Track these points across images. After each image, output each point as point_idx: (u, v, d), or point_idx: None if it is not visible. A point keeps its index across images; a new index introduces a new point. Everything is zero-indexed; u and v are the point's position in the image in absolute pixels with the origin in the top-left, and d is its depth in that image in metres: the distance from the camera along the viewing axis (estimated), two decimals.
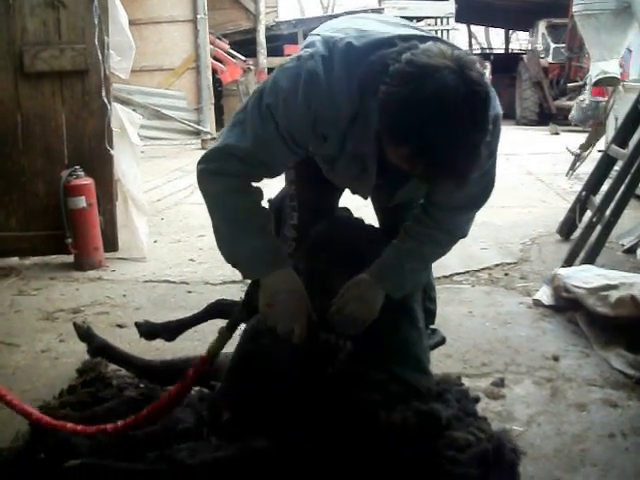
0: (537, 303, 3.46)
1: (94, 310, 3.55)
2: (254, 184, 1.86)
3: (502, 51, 22.54)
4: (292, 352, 1.83)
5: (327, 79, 1.65)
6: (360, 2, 19.95)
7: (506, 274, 4.08)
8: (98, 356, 2.57)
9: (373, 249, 1.97)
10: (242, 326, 2.05)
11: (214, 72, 12.07)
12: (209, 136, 11.33)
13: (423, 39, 1.65)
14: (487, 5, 18.13)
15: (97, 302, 3.69)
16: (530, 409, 2.42)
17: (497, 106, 1.69)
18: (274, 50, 14.47)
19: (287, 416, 1.80)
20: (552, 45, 14.98)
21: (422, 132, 1.46)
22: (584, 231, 4.15)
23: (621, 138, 4.53)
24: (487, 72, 16.28)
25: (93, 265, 4.30)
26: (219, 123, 12.72)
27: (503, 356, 2.88)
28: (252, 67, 13.18)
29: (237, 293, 3.68)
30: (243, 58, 12.96)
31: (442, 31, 16.05)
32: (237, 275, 4.03)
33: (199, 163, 1.86)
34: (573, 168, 7.47)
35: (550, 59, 14.92)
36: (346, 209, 2.35)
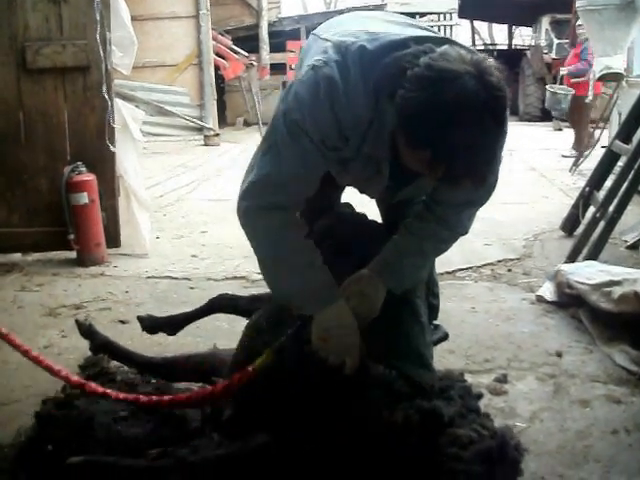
0: (540, 299, 3.45)
1: (96, 306, 3.55)
2: (296, 216, 1.85)
3: (505, 47, 22.46)
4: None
5: (344, 84, 1.65)
6: None
7: (509, 270, 4.08)
8: (100, 353, 2.56)
9: (375, 244, 1.96)
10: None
11: (216, 68, 12.06)
12: (212, 132, 11.35)
13: (437, 41, 1.65)
14: (490, 1, 18.06)
15: (99, 298, 3.69)
16: (533, 405, 2.41)
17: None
18: (277, 46, 14.46)
19: (288, 413, 1.79)
20: (555, 41, 14.93)
21: (443, 137, 1.47)
22: (587, 227, 4.14)
23: (625, 134, 4.51)
24: None
25: (95, 261, 4.30)
26: (221, 119, 12.75)
27: (506, 352, 2.87)
28: (255, 63, 13.16)
29: (239, 289, 3.69)
30: (246, 54, 12.94)
31: (445, 27, 16.02)
32: (239, 271, 4.10)
33: (242, 199, 1.81)
34: (576, 164, 7.46)
35: (553, 55, 14.85)
36: (348, 204, 2.34)
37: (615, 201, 4.04)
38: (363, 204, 2.36)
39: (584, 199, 4.70)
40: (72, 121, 4.28)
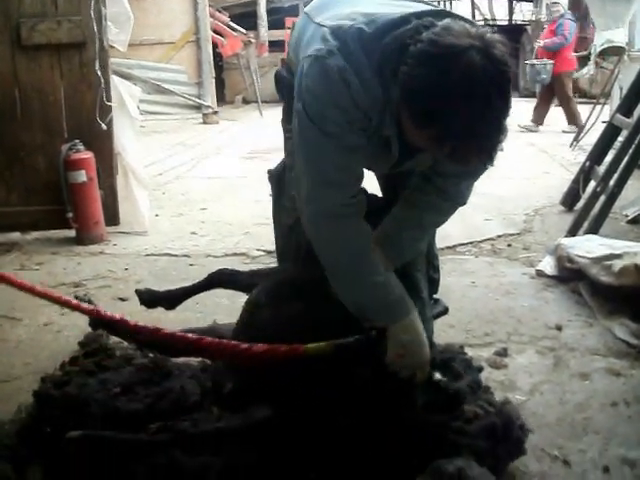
0: (540, 273, 3.45)
1: (96, 284, 3.55)
2: (363, 220, 1.80)
3: (506, 22, 22.25)
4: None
5: (352, 67, 1.62)
6: None
7: (509, 245, 4.07)
8: (99, 328, 2.56)
9: (375, 218, 1.95)
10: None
11: (214, 46, 11.96)
12: (210, 110, 11.28)
13: (436, 14, 1.62)
14: None
15: (99, 276, 3.68)
16: (533, 378, 2.42)
17: None
18: (275, 23, 14.34)
19: (289, 387, 1.79)
20: None
21: (451, 114, 1.44)
22: (588, 201, 4.12)
23: (626, 107, 4.48)
24: None
25: (94, 239, 4.29)
26: (220, 97, 12.66)
27: (506, 326, 2.88)
28: (253, 40, 13.04)
29: (239, 265, 3.67)
30: (244, 31, 12.82)
31: (445, 2, 15.87)
32: (239, 248, 4.10)
33: (305, 205, 1.77)
34: (577, 139, 7.42)
35: None
36: None
37: (616, 175, 4.02)
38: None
39: (585, 174, 4.68)
40: (69, 98, 4.24)
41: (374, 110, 1.65)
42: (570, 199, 4.79)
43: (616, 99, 6.65)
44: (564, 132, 8.69)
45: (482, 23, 21.85)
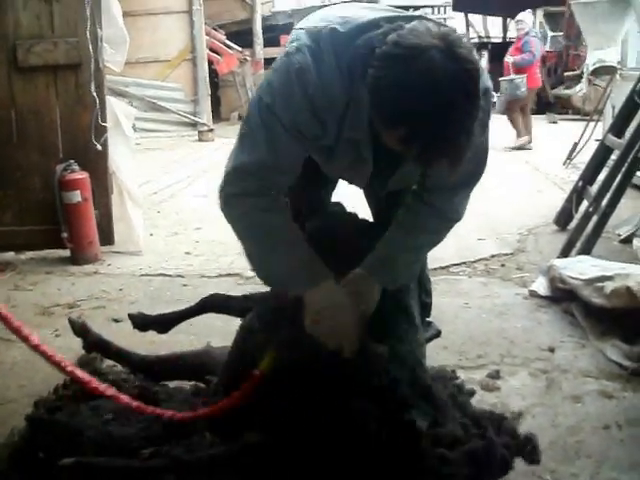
0: (533, 294, 3.46)
1: (90, 304, 3.55)
2: (278, 200, 1.83)
3: (500, 40, 22.44)
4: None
5: (317, 67, 1.64)
6: None
7: (502, 265, 4.09)
8: (94, 351, 2.56)
9: (367, 243, 1.96)
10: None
11: (210, 63, 12.03)
12: (205, 127, 11.32)
13: (408, 19, 1.64)
14: None
15: (93, 296, 3.69)
16: (525, 401, 2.42)
17: (486, 80, 1.67)
18: (270, 40, 14.41)
19: (283, 413, 1.79)
20: (550, 33, 14.94)
21: (414, 113, 1.44)
22: (580, 221, 4.15)
23: (617, 128, 4.51)
24: (484, 60, 16.26)
25: (89, 259, 4.30)
26: (215, 114, 12.69)
27: (499, 347, 2.88)
28: (248, 58, 13.14)
29: (233, 286, 3.69)
30: (239, 49, 12.92)
31: (439, 20, 15.97)
32: (233, 268, 4.10)
33: (220, 190, 1.83)
34: (570, 157, 7.47)
35: (547, 47, 14.86)
36: (339, 204, 2.33)
37: (608, 195, 4.04)
38: (354, 203, 2.36)
39: (577, 193, 4.71)
40: (64, 119, 4.26)
41: (331, 114, 1.67)
42: (563, 218, 4.82)
43: (608, 117, 6.70)
44: (510, 149, 8.86)
45: (477, 40, 22.05)
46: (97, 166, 4.31)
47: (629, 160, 4.01)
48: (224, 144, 10.78)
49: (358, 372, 1.79)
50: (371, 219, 2.30)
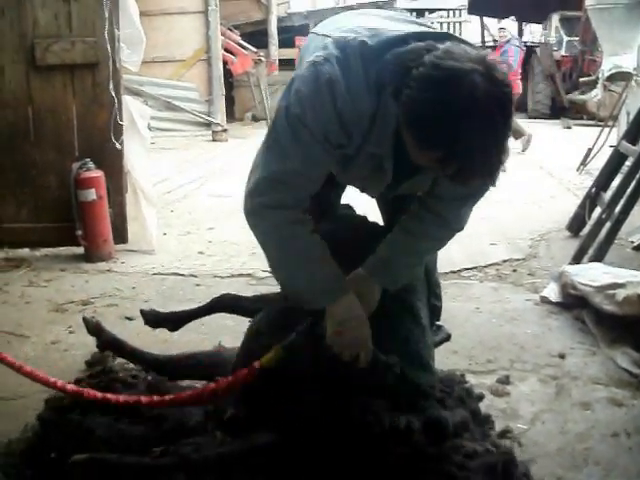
0: (544, 300, 3.46)
1: (103, 302, 3.58)
2: (305, 212, 1.85)
3: None
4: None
5: (346, 80, 1.65)
6: None
7: (514, 270, 4.08)
8: (107, 350, 2.59)
9: (376, 246, 1.97)
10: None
11: (225, 63, 12.07)
12: (219, 127, 11.36)
13: (437, 37, 1.65)
14: None
15: (106, 294, 3.72)
16: (535, 407, 2.42)
17: None
18: (285, 41, 14.45)
19: (292, 413, 1.81)
20: (565, 38, 14.88)
21: (456, 137, 1.47)
22: (593, 228, 4.13)
23: (632, 135, 4.50)
24: None
25: (103, 257, 4.33)
26: (230, 114, 12.74)
27: (509, 353, 2.88)
28: (263, 58, 13.17)
29: (244, 287, 3.71)
30: (254, 49, 12.95)
31: (454, 23, 15.97)
32: (245, 269, 4.12)
33: (248, 198, 1.82)
34: (584, 163, 7.44)
35: (563, 52, 14.81)
36: (349, 206, 2.34)
37: (621, 202, 4.03)
38: (364, 205, 2.37)
39: (591, 199, 4.70)
40: (81, 118, 4.31)
41: (358, 126, 1.68)
42: (576, 224, 4.81)
43: (623, 123, 6.68)
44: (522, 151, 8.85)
45: (492, 44, 21.97)
46: (112, 165, 4.35)
47: None
48: (238, 144, 10.85)
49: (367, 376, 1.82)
50: (381, 222, 2.31)
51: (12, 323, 3.27)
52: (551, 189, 6.79)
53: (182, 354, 2.41)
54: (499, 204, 5.76)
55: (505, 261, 4.25)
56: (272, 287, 3.39)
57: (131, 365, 2.56)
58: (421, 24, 1.91)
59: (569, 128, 12.29)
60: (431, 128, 1.50)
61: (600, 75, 9.50)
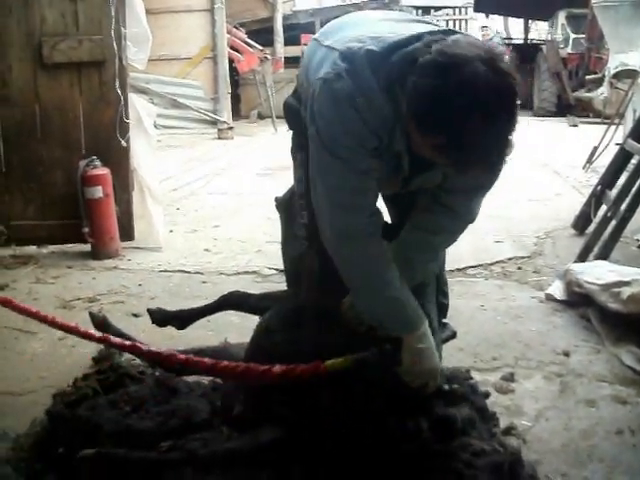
0: (549, 298, 3.46)
1: (110, 299, 3.61)
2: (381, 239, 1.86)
3: (521, 41, 22.30)
4: None
5: (360, 90, 1.66)
6: None
7: (519, 268, 4.09)
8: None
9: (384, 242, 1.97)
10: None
11: (231, 61, 12.09)
12: (225, 125, 11.38)
13: (447, 33, 1.67)
14: None
15: (113, 291, 3.74)
16: (539, 404, 2.43)
17: None
18: (291, 39, 14.47)
19: (298, 409, 1.83)
20: (572, 35, 14.83)
21: (455, 122, 1.47)
22: (598, 226, 4.13)
23: (638, 132, 4.49)
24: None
25: (109, 254, 4.36)
26: (235, 112, 12.76)
27: (514, 350, 2.89)
28: (269, 56, 13.17)
29: (250, 284, 3.73)
30: (260, 47, 12.96)
31: (460, 21, 15.94)
32: (251, 266, 4.14)
33: (328, 227, 1.83)
34: (590, 161, 7.42)
35: (569, 49, 14.76)
36: None
37: (627, 200, 4.03)
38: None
39: (596, 197, 4.69)
40: (87, 115, 4.33)
41: (384, 129, 1.69)
42: (581, 222, 4.81)
43: (629, 121, 6.66)
44: None
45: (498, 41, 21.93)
46: (119, 162, 4.37)
47: None
48: (244, 142, 10.88)
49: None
50: (387, 215, 2.30)
51: (20, 319, 3.26)
52: (557, 187, 6.79)
53: (189, 349, 2.41)
54: (505, 202, 5.76)
55: (510, 259, 4.26)
56: (277, 284, 3.42)
57: (137, 361, 2.58)
58: (427, 22, 1.91)
59: (575, 126, 12.26)
60: (430, 111, 1.50)
61: (606, 73, 9.46)
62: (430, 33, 1.67)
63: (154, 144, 4.77)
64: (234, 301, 2.41)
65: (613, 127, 7.07)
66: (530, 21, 23.03)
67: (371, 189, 1.80)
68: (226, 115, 11.50)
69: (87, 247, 4.42)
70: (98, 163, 4.27)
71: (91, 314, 2.68)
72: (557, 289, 3.46)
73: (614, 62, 8.64)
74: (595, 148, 7.31)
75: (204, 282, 3.90)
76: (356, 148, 1.70)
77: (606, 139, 6.99)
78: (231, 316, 3.00)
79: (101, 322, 2.59)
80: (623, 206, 4.02)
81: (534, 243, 4.64)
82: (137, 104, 4.52)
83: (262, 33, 14.17)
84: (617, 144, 5.63)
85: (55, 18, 4.20)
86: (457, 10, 16.80)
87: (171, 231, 5.05)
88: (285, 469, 1.74)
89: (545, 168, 7.95)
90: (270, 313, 2.04)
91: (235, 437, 1.85)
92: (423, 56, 1.53)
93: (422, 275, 2.02)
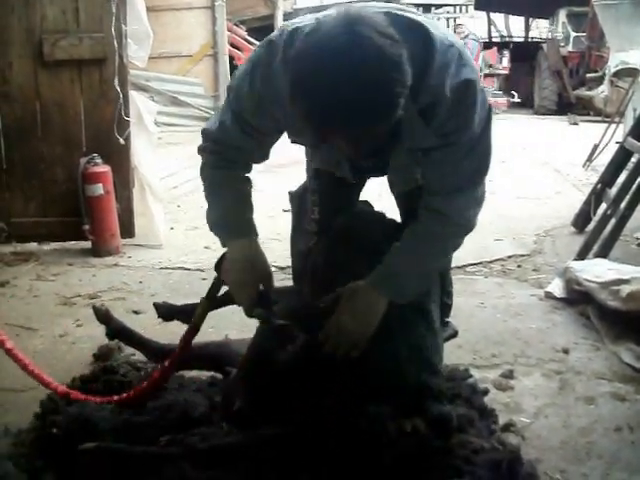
0: (549, 295, 3.47)
1: (111, 296, 3.61)
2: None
3: (522, 39, 22.31)
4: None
5: (261, 60, 1.77)
6: None
7: (519, 266, 4.09)
8: (116, 338, 2.62)
9: (392, 243, 1.97)
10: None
11: (231, 59, 12.09)
12: None
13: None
14: None
15: (114, 288, 3.75)
16: (538, 401, 2.44)
17: (467, 72, 1.65)
18: None
19: (299, 407, 1.83)
20: (572, 34, 14.85)
21: (303, 86, 1.43)
22: (598, 224, 4.14)
23: (638, 130, 4.50)
24: (506, 60, 16.17)
25: (110, 251, 4.37)
26: None
27: (513, 348, 2.90)
28: None
29: None
30: None
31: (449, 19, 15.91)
32: None
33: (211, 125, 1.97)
34: (590, 159, 7.43)
35: (570, 48, 14.77)
36: (366, 202, 2.35)
37: (627, 198, 4.03)
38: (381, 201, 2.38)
39: (596, 195, 4.70)
40: (88, 113, 4.33)
41: (279, 102, 1.69)
42: (581, 221, 4.81)
43: (630, 119, 6.66)
44: None
45: (499, 40, 21.93)
46: (119, 160, 4.38)
47: None
48: None
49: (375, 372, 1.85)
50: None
51: (21, 316, 3.30)
52: (557, 185, 6.80)
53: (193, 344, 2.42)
54: (504, 200, 5.77)
55: (510, 257, 4.26)
56: (280, 281, 3.42)
57: (137, 356, 2.59)
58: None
59: (575, 124, 12.27)
60: (289, 85, 1.47)
61: (607, 71, 9.46)
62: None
63: (155, 141, 4.78)
64: None
65: (613, 125, 7.08)
66: (531, 19, 23.04)
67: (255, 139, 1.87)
68: None
69: (88, 244, 4.42)
70: (99, 160, 4.27)
71: (94, 308, 2.69)
72: (556, 287, 3.47)
73: (614, 60, 8.66)
74: (595, 146, 7.32)
75: (204, 279, 3.89)
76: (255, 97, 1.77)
77: (606, 137, 7.00)
78: (232, 313, 3.00)
79: (104, 315, 2.59)
80: (623, 204, 4.02)
81: (534, 241, 4.65)
82: (138, 101, 4.52)
83: (262, 31, 14.12)
84: (617, 142, 5.63)
85: (56, 15, 4.20)
86: (458, 8, 16.77)
87: (172, 228, 5.06)
88: (285, 465, 1.74)
89: (545, 166, 7.96)
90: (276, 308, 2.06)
91: (234, 433, 1.86)
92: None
93: (414, 290, 1.91)
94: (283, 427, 1.81)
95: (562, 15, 15.41)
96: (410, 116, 1.63)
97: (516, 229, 4.93)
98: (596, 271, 3.24)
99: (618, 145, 4.96)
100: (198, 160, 2.04)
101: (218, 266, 2.04)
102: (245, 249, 1.96)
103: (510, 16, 26.38)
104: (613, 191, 4.38)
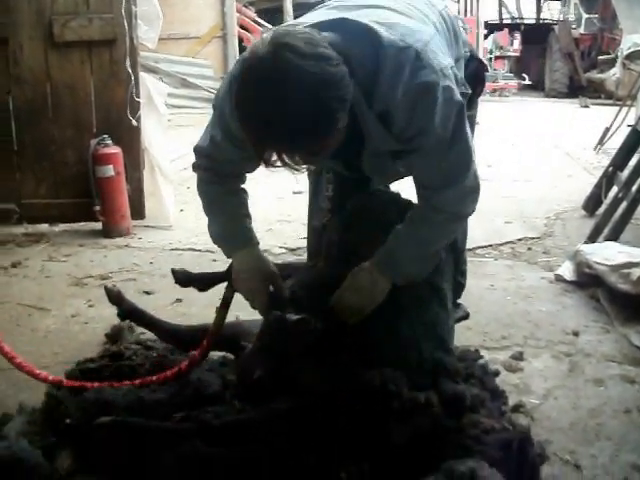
0: (559, 278, 3.47)
1: (121, 277, 3.64)
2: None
3: (533, 21, 22.07)
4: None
5: (235, 71, 1.78)
6: None
7: (529, 249, 4.09)
8: (128, 319, 2.63)
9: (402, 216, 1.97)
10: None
11: (240, 40, 12.04)
12: None
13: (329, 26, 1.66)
14: None
15: (124, 269, 3.77)
16: (547, 383, 2.45)
17: (423, 75, 1.63)
18: None
19: (312, 382, 1.85)
20: (584, 15, 14.69)
21: (238, 110, 1.57)
22: (609, 207, 4.12)
23: None
24: (517, 42, 16.02)
25: (121, 232, 4.39)
26: None
27: (523, 330, 2.90)
28: None
29: None
30: (270, 26, 12.87)
31: (472, 0, 15.77)
32: (262, 245, 4.08)
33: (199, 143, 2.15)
34: (601, 142, 7.38)
35: (582, 30, 14.63)
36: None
37: (638, 181, 4.01)
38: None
39: (607, 178, 4.68)
40: (98, 94, 4.34)
41: None
42: (592, 204, 4.80)
43: None
44: None
45: (509, 21, 21.71)
46: (130, 141, 4.39)
47: None
48: None
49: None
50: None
51: (33, 297, 3.33)
52: (568, 168, 6.76)
53: (203, 324, 2.43)
54: (515, 183, 5.76)
55: (520, 239, 4.26)
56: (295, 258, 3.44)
57: (148, 335, 2.61)
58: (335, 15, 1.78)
59: (587, 107, 12.18)
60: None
61: (619, 53, 9.36)
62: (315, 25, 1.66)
63: (165, 123, 4.78)
64: None
65: (625, 108, 7.03)
66: (542, 1, 22.76)
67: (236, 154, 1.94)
68: None
69: (98, 225, 4.45)
70: (109, 142, 4.29)
71: (106, 288, 2.69)
72: (567, 270, 3.47)
73: (627, 43, 8.57)
74: (607, 129, 7.27)
75: (214, 260, 3.91)
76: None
77: (618, 120, 6.95)
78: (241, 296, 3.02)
79: (116, 296, 2.61)
80: (634, 187, 4.00)
81: (544, 224, 4.64)
82: (148, 83, 4.52)
83: (272, 12, 14.08)
84: (629, 125, 5.59)
85: None
86: None
87: (182, 210, 5.06)
88: (297, 440, 1.75)
89: (556, 149, 7.91)
90: (292, 282, 2.07)
91: (247, 410, 1.88)
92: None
93: (415, 273, 1.94)
94: (295, 401, 1.82)
95: None
96: (368, 121, 1.69)
97: (526, 212, 4.92)
98: (606, 254, 3.23)
99: (630, 128, 4.93)
100: None
101: (229, 275, 2.14)
102: (248, 259, 2.08)
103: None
104: (624, 174, 4.35)
